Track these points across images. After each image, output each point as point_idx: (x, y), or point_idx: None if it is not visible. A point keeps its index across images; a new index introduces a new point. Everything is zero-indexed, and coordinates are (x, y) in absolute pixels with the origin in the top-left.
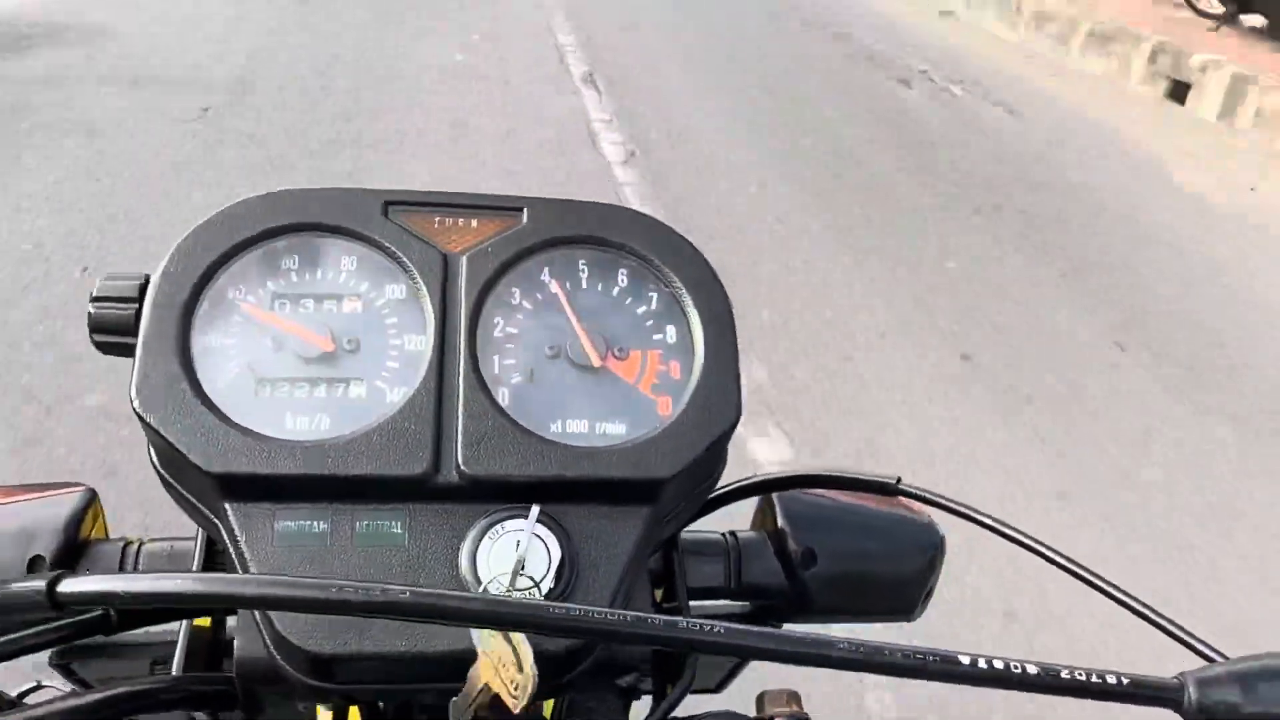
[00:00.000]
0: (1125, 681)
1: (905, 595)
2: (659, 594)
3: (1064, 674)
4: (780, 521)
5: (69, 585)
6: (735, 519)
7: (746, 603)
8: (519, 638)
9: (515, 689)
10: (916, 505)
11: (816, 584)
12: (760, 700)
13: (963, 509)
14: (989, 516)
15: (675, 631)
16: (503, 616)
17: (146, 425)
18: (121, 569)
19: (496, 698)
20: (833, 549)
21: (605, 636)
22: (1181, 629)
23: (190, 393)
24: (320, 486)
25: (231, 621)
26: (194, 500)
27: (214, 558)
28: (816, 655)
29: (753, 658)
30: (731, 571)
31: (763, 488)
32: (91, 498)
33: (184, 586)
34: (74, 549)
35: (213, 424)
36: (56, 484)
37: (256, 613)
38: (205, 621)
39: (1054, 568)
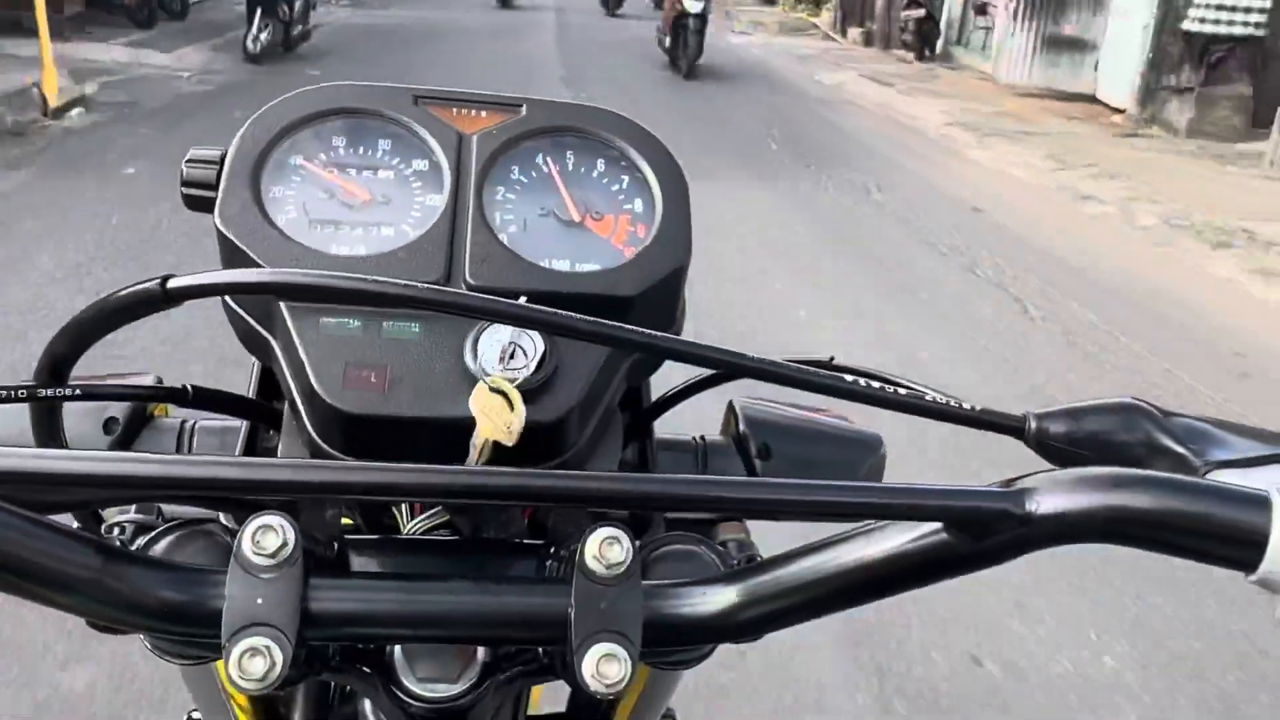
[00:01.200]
0: (978, 409)
1: None
2: None
3: (929, 397)
4: (742, 425)
5: (179, 281)
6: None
7: None
8: (508, 387)
9: (509, 429)
10: (861, 419)
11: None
12: (713, 533)
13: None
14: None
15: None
16: (510, 310)
17: (224, 240)
18: (179, 444)
19: (496, 449)
20: (786, 450)
21: (609, 341)
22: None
23: (260, 217)
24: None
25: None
26: (253, 319)
27: (265, 392)
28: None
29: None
30: (699, 466)
31: (714, 380)
32: (158, 382)
33: (276, 278)
34: (141, 419)
35: (277, 239)
36: (128, 373)
37: (300, 401)
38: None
39: None
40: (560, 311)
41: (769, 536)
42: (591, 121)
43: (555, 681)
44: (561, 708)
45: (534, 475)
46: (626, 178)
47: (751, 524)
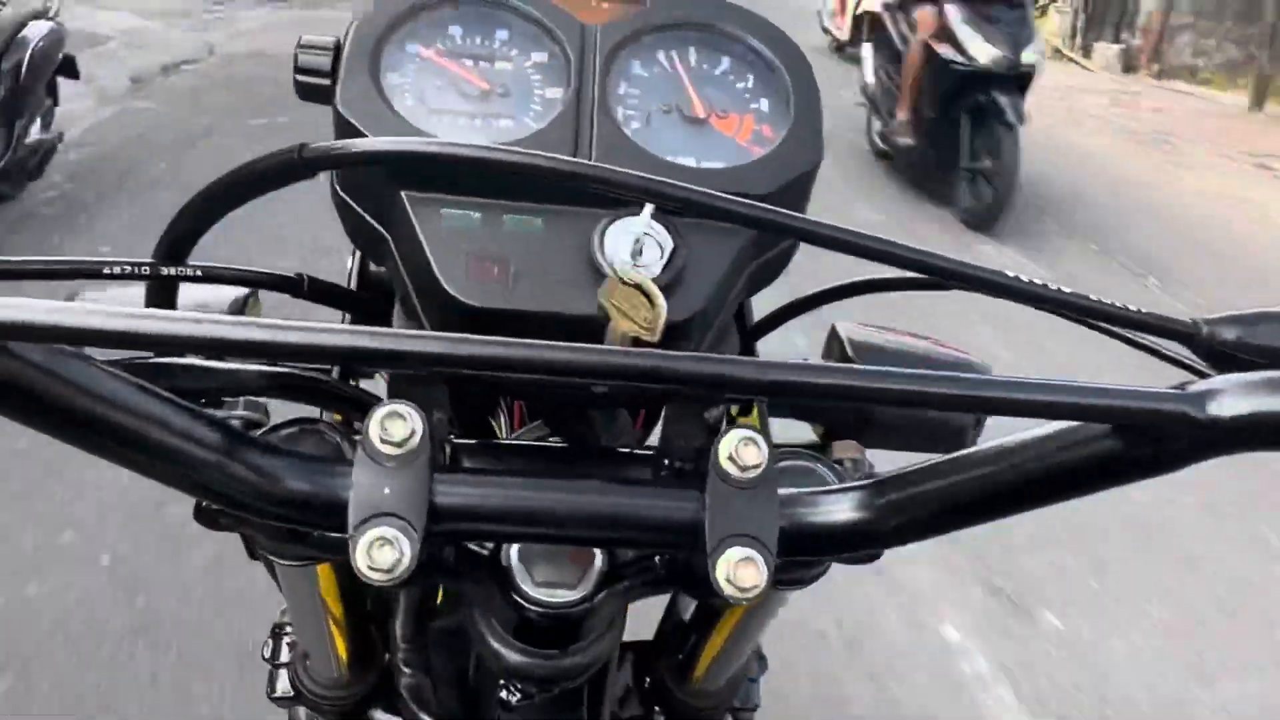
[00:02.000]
0: (1145, 312)
1: (957, 424)
2: (735, 409)
3: (1093, 298)
4: (849, 351)
5: (317, 147)
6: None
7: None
8: (645, 281)
9: (648, 324)
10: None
11: (876, 406)
12: (828, 452)
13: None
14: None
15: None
16: (663, 190)
17: (345, 125)
18: None
19: (634, 344)
20: None
21: (758, 224)
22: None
23: (381, 102)
24: (478, 179)
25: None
26: (367, 212)
27: (364, 278)
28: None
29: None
30: None
31: (837, 293)
32: (252, 291)
33: (401, 145)
34: (240, 310)
35: (398, 124)
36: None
37: (417, 295)
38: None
39: None
40: (727, 196)
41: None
42: (718, 16)
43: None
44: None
45: (713, 360)
46: (753, 76)
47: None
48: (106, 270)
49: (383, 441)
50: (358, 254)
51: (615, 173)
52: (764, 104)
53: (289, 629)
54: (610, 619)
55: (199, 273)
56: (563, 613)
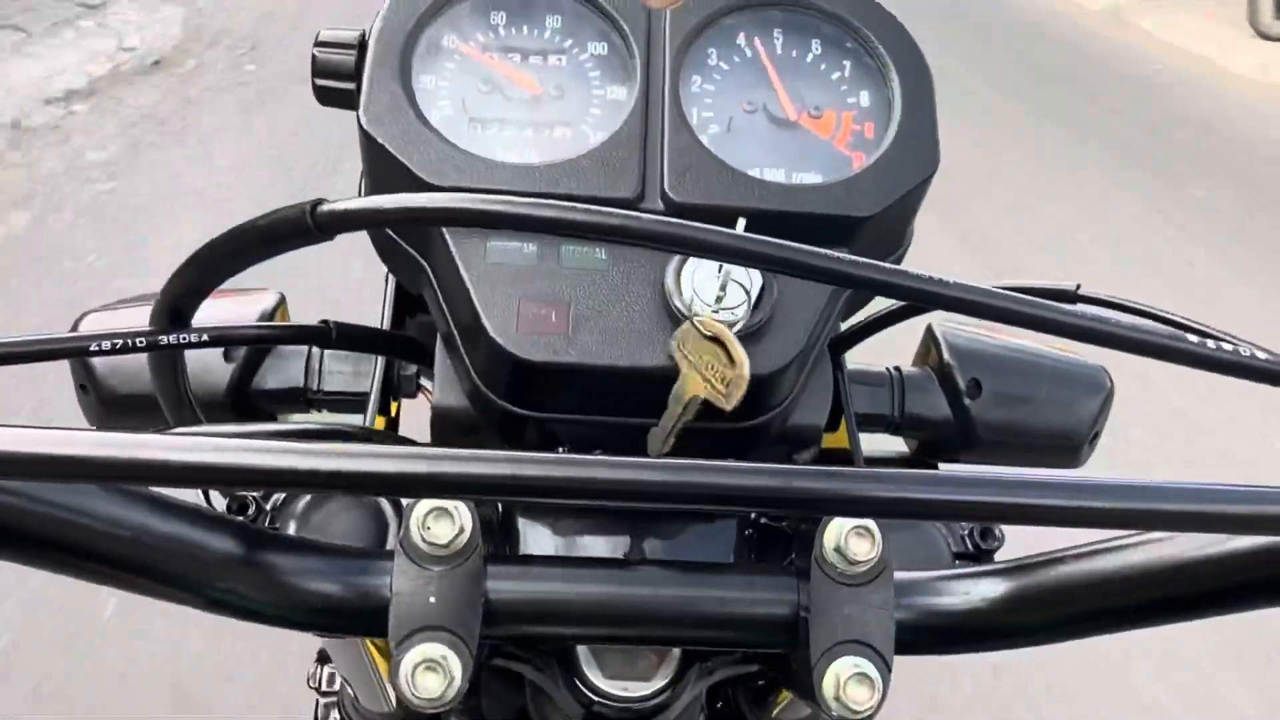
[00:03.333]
0: (1262, 356)
1: (1072, 440)
2: None
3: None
4: (946, 355)
5: (329, 207)
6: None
7: (904, 443)
8: (727, 335)
9: (726, 385)
10: (1084, 348)
11: (981, 418)
12: None
13: (1146, 309)
14: (1172, 314)
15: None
16: (753, 249)
17: (371, 144)
18: (306, 375)
19: (704, 408)
20: (999, 387)
21: (864, 284)
22: None
23: (414, 116)
24: None
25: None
26: (403, 239)
27: (403, 312)
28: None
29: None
30: (896, 401)
31: (915, 310)
32: (281, 300)
33: (440, 202)
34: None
35: (434, 142)
36: (253, 288)
37: (463, 342)
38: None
39: None
40: (821, 250)
41: None
42: None
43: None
44: None
45: (812, 474)
46: (850, 63)
47: None
48: (102, 346)
49: (425, 541)
50: (392, 278)
51: (695, 230)
52: (864, 97)
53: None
54: (688, 709)
55: (205, 337)
56: (638, 708)
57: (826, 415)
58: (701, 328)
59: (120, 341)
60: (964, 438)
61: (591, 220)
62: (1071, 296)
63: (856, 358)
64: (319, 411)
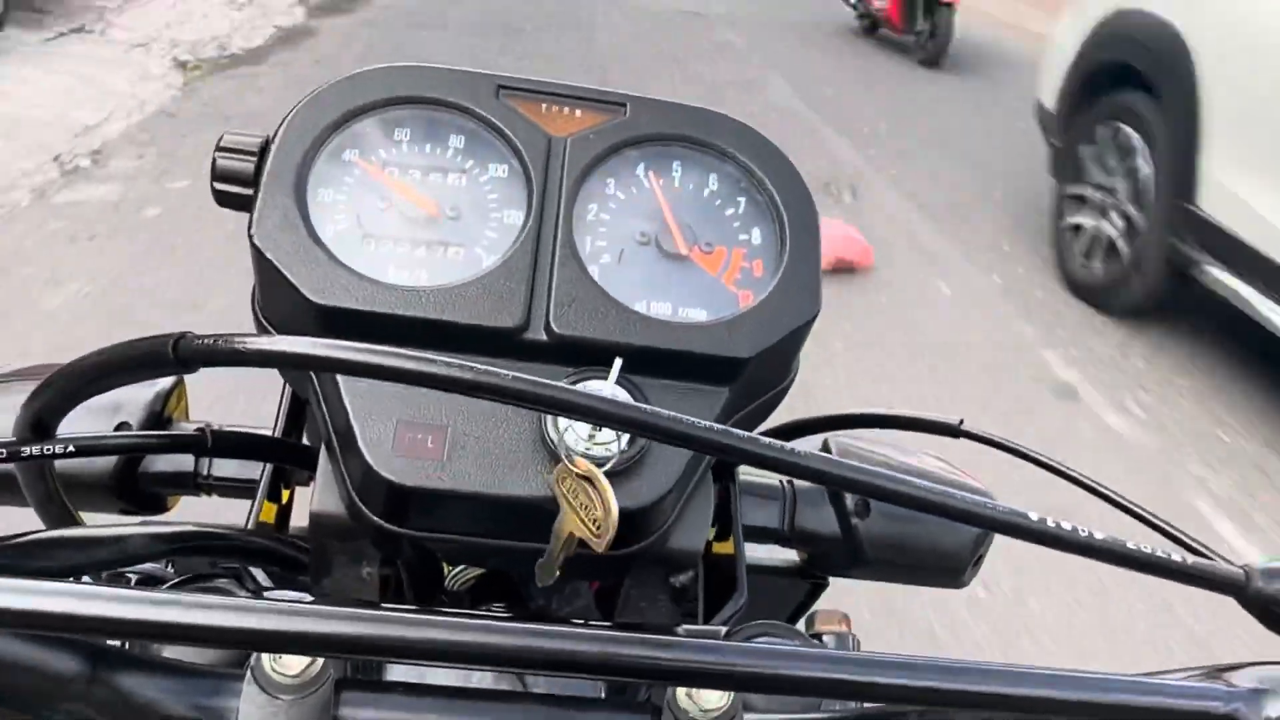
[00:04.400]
0: (1190, 562)
1: (956, 562)
2: (712, 531)
3: (1131, 546)
4: None
5: (192, 343)
6: None
7: (795, 552)
8: (597, 475)
9: (598, 528)
10: (972, 474)
11: (869, 537)
12: (811, 620)
13: (1023, 450)
14: (1048, 458)
15: (778, 453)
16: (614, 412)
17: (261, 259)
18: (196, 478)
19: (578, 549)
20: (886, 508)
21: (714, 449)
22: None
23: (305, 233)
24: (415, 331)
25: (301, 496)
26: None
27: (295, 421)
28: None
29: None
30: (786, 515)
31: (823, 424)
32: (177, 384)
33: (306, 349)
34: (157, 424)
35: (324, 262)
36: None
37: (341, 454)
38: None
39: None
40: (661, 411)
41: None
42: (706, 129)
43: None
44: None
45: (695, 647)
46: (744, 200)
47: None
48: None
49: (276, 672)
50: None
51: (567, 394)
52: (756, 235)
53: None
54: None
55: (71, 448)
56: None
57: (705, 538)
58: (575, 468)
59: None
60: (852, 554)
61: (450, 375)
62: (955, 431)
63: None
64: (208, 495)
